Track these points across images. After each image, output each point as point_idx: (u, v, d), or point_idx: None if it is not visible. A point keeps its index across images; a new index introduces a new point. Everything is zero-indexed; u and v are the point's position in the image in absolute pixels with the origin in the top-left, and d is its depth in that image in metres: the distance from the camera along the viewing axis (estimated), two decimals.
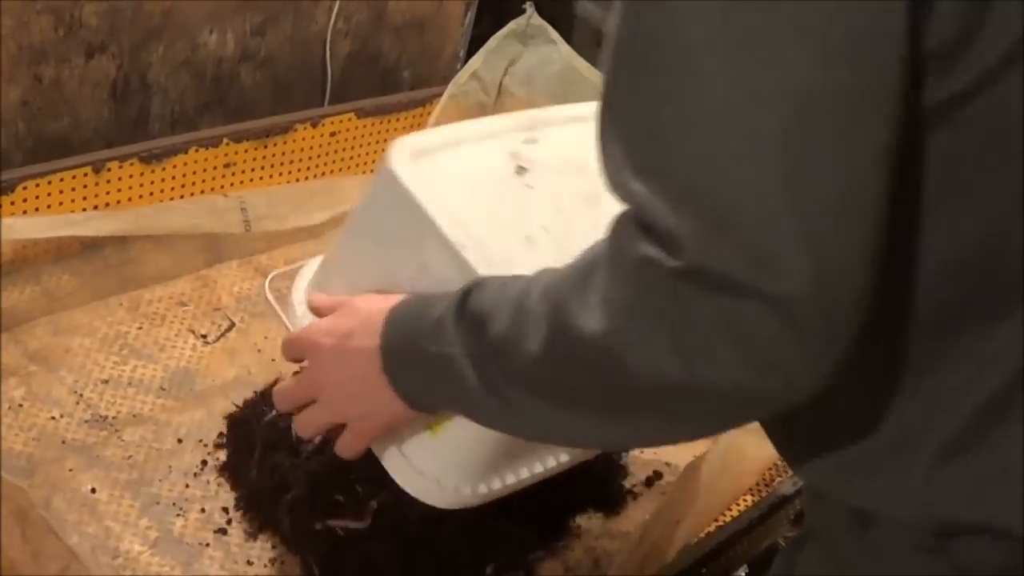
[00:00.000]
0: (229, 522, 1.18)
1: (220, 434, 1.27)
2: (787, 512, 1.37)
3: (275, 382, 1.34)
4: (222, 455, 1.24)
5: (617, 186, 0.62)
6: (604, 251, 0.64)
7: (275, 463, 1.18)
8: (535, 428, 0.75)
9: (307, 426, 0.90)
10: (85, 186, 1.42)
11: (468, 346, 0.72)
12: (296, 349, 0.91)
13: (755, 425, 0.74)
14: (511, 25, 1.77)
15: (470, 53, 1.84)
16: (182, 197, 1.53)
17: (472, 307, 0.72)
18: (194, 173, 1.53)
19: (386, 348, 0.79)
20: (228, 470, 1.22)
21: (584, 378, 0.66)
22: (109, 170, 1.43)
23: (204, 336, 1.43)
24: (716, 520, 1.32)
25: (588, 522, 1.29)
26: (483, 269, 0.81)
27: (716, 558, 1.26)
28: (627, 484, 1.33)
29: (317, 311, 0.92)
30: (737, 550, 1.30)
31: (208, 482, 1.22)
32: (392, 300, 0.81)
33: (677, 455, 1.35)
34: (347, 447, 0.89)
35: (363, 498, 1.13)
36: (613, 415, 0.68)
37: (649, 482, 1.35)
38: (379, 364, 0.79)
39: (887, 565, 0.73)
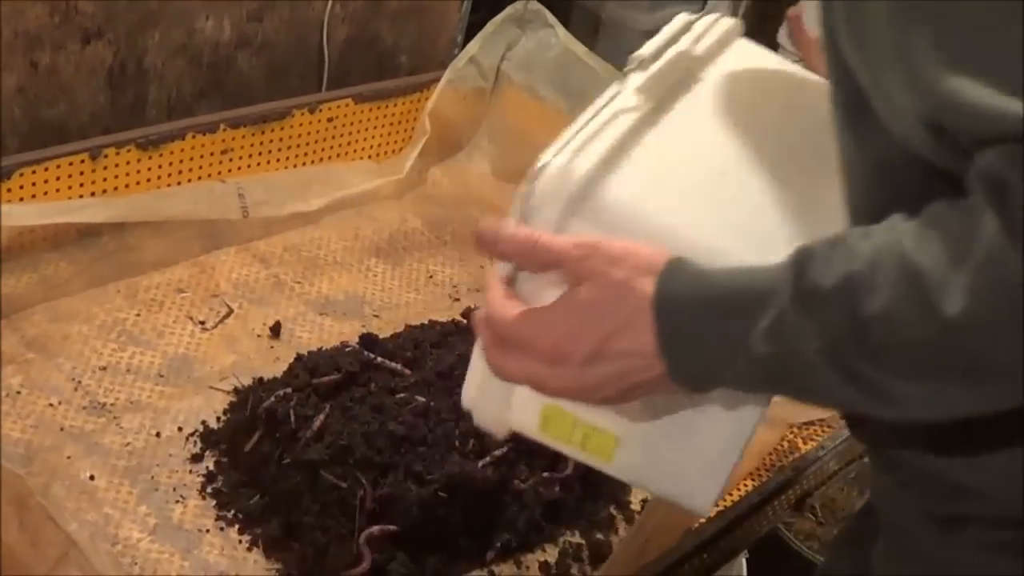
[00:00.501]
0: (228, 508, 1.17)
1: (218, 420, 1.27)
2: (788, 497, 1.37)
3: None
4: (221, 441, 1.24)
5: (995, 118, 0.55)
6: (1008, 181, 0.56)
7: (273, 450, 1.17)
8: (898, 402, 0.63)
9: (551, 394, 0.75)
10: (82, 173, 1.42)
11: (824, 333, 0.61)
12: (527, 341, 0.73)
13: None
14: (508, 10, 1.77)
15: (468, 38, 1.84)
16: (179, 184, 1.52)
17: (818, 284, 0.61)
18: (191, 159, 1.52)
19: (679, 359, 0.67)
20: (227, 456, 1.22)
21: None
22: (106, 156, 1.43)
23: (202, 322, 1.42)
24: (717, 505, 1.32)
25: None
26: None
27: (717, 543, 1.25)
28: None
29: (508, 244, 0.72)
30: (738, 535, 1.29)
31: (207, 468, 1.21)
32: (646, 284, 0.67)
33: None
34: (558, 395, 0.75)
35: (362, 486, 1.13)
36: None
37: None
38: (661, 368, 0.67)
39: (972, 565, 0.71)
